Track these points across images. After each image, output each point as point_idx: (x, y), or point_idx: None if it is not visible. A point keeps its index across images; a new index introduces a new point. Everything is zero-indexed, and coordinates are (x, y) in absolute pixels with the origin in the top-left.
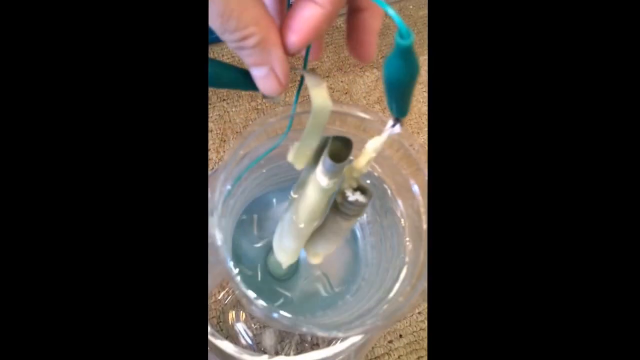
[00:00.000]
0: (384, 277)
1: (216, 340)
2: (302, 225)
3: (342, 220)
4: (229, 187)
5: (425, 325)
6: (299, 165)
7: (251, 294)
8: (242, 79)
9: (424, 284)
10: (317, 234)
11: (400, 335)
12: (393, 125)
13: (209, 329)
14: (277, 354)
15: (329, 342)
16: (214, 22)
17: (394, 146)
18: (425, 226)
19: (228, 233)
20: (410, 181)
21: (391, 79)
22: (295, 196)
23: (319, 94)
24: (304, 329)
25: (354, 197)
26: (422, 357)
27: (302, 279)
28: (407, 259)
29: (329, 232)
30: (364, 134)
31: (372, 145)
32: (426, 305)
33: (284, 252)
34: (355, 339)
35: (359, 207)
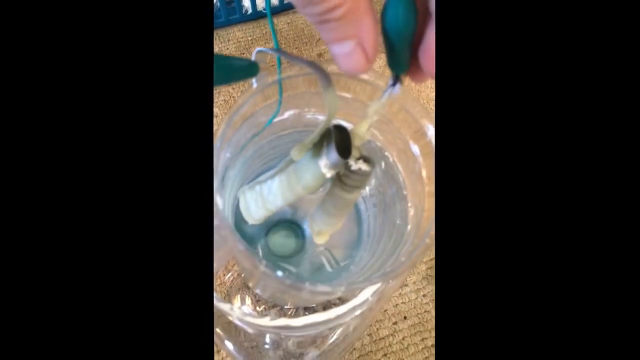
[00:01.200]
0: (387, 243)
1: (218, 303)
2: (300, 192)
3: (346, 193)
4: (228, 155)
5: (429, 307)
6: (298, 158)
7: (253, 252)
8: (241, 69)
9: (426, 241)
10: (320, 212)
11: (405, 317)
12: (393, 85)
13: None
14: (280, 339)
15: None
16: None
17: (395, 108)
18: (427, 188)
19: (230, 207)
20: (410, 143)
21: (389, 27)
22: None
23: (332, 97)
24: (307, 285)
25: (356, 165)
26: (426, 338)
27: (306, 256)
28: (409, 224)
29: (333, 208)
30: (365, 97)
31: (373, 108)
32: (431, 288)
33: (265, 209)
34: (356, 302)
35: (362, 177)
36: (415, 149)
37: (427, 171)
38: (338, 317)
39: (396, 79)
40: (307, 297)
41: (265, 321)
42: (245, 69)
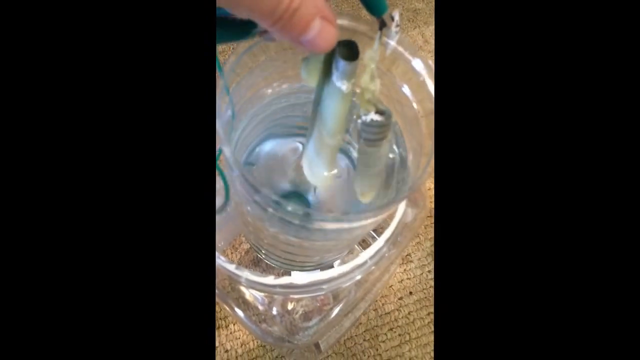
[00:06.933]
0: (388, 192)
1: (224, 264)
2: (329, 139)
3: (370, 147)
4: (229, 112)
5: (434, 281)
6: (312, 81)
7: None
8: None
9: (427, 170)
10: (357, 173)
11: (411, 293)
12: (380, 28)
13: (217, 254)
14: (287, 313)
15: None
16: None
17: (391, 59)
18: (424, 130)
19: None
20: (403, 87)
21: None
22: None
23: None
24: (307, 211)
25: (369, 117)
26: (431, 312)
27: None
28: (410, 170)
29: (364, 166)
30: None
31: (368, 55)
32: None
33: (318, 175)
34: (357, 261)
35: (379, 129)
36: (408, 91)
37: (422, 111)
38: (340, 275)
39: (382, 23)
40: (310, 242)
41: (270, 280)
42: (242, 27)
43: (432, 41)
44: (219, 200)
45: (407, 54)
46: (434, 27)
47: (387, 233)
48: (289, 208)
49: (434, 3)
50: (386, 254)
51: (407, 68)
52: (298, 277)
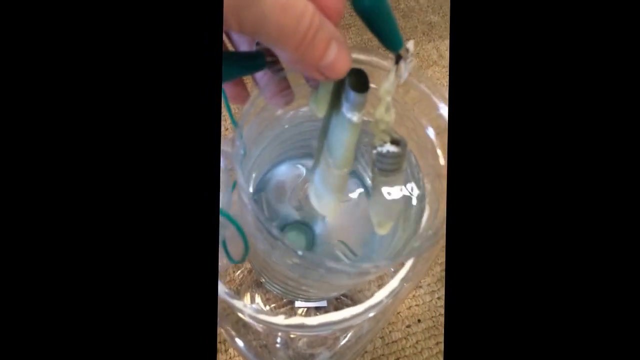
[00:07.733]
0: (407, 224)
1: (231, 300)
2: (337, 170)
3: (385, 177)
4: (242, 152)
5: (444, 310)
6: (320, 112)
7: (275, 230)
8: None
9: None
10: (372, 203)
11: (419, 320)
12: (396, 62)
13: (225, 289)
14: (290, 340)
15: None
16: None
17: (405, 88)
18: (442, 161)
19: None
20: (420, 120)
21: (363, 6)
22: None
23: None
24: (326, 262)
25: (384, 148)
26: (440, 342)
27: (319, 250)
28: (427, 199)
29: (381, 196)
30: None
31: (384, 89)
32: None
33: (327, 205)
34: (372, 302)
35: (395, 159)
36: (427, 126)
37: (440, 144)
38: (353, 317)
39: (399, 57)
40: (321, 282)
41: (280, 319)
42: (251, 61)
43: (447, 55)
44: (239, 249)
45: (423, 87)
46: (449, 41)
47: (403, 272)
48: (288, 243)
49: (449, 16)
50: (402, 289)
51: (420, 94)
52: (309, 318)
